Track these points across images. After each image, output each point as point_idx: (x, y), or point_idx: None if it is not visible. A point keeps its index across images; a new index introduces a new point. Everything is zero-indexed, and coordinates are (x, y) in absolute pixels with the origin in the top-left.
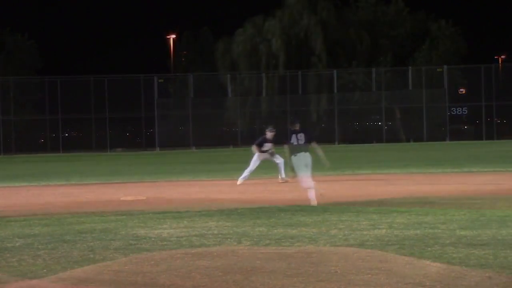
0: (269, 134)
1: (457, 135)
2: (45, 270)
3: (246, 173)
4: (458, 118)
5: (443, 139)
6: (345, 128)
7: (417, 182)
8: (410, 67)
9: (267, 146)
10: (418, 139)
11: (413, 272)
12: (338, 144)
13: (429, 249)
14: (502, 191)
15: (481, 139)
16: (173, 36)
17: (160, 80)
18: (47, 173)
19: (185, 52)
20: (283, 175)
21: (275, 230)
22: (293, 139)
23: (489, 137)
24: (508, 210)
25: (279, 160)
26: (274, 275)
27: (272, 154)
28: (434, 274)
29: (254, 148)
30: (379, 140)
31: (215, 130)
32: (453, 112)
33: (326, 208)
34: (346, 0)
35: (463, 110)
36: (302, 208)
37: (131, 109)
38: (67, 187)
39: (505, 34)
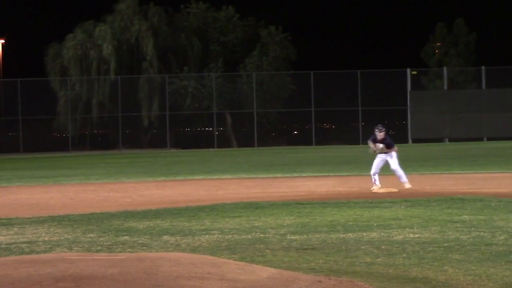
0: (378, 135)
1: (288, 140)
2: None
3: (375, 177)
4: (289, 123)
5: (274, 145)
6: (177, 133)
7: (248, 187)
8: (242, 73)
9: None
10: (249, 144)
11: (244, 276)
12: (170, 149)
13: (260, 253)
14: (332, 195)
15: (311, 144)
16: (1, 41)
17: None
18: None
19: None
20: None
21: (107, 236)
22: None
23: (318, 142)
24: (336, 215)
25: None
26: (106, 281)
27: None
28: (265, 279)
29: (370, 143)
30: (211, 146)
31: (45, 136)
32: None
33: (158, 213)
34: (177, 6)
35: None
36: (134, 214)
37: None
38: None
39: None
